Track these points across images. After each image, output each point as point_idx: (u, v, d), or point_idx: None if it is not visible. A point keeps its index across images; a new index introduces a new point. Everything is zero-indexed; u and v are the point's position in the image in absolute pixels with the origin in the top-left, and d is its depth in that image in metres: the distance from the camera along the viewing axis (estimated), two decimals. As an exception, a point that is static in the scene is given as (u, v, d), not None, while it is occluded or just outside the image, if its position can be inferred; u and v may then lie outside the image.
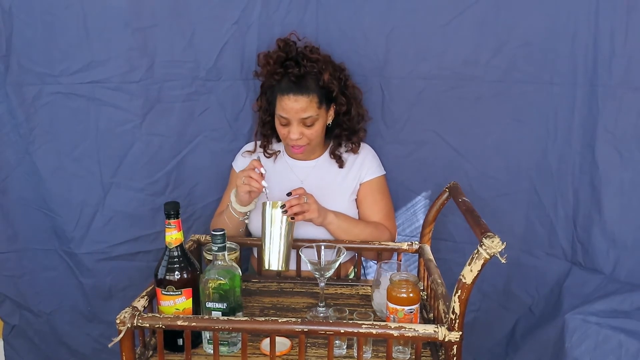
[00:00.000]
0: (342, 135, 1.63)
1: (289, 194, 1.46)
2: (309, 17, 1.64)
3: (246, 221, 1.59)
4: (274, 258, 1.43)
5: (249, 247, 1.70)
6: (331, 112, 1.59)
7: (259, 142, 1.67)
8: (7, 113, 1.61)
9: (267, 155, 1.67)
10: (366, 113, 1.65)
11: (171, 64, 1.64)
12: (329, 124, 1.61)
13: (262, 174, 1.46)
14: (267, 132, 1.66)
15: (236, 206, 1.53)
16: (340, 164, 1.64)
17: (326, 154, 1.67)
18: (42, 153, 1.65)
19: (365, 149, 1.67)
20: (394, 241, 1.62)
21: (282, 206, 1.42)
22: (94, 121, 1.64)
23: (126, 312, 1.11)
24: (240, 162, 1.68)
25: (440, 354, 1.22)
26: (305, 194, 1.47)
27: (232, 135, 1.74)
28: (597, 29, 1.46)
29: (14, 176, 1.66)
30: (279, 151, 1.68)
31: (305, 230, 1.56)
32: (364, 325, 1.08)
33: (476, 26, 1.56)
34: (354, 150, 1.64)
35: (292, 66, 1.52)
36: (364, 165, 1.64)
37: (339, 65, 1.60)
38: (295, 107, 1.50)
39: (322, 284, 1.37)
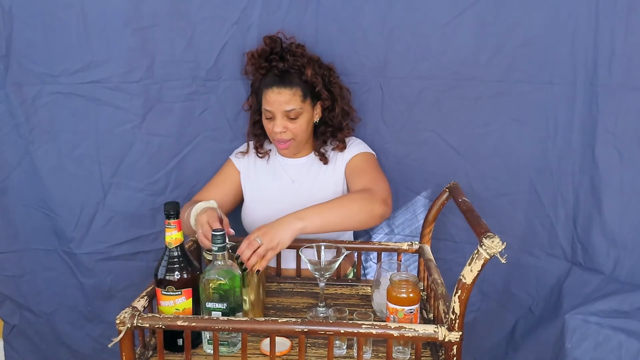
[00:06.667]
0: (327, 132, 1.63)
1: (235, 255, 1.30)
2: (309, 17, 1.64)
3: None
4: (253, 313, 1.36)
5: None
6: (318, 110, 1.60)
7: (251, 143, 1.68)
8: (7, 113, 1.61)
9: (260, 156, 1.68)
10: (353, 111, 1.65)
11: (171, 64, 1.64)
12: (316, 122, 1.62)
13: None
14: (257, 131, 1.67)
15: (193, 226, 1.42)
16: (325, 161, 1.63)
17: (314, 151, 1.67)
18: (42, 153, 1.65)
19: (350, 138, 1.67)
20: (389, 206, 1.46)
21: (241, 264, 1.28)
22: (94, 121, 1.64)
23: (126, 312, 1.11)
24: (238, 162, 1.68)
25: (440, 354, 1.22)
26: (253, 236, 1.29)
27: (232, 135, 1.74)
28: (597, 29, 1.45)
29: (14, 176, 1.66)
30: (270, 150, 1.69)
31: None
32: (364, 325, 1.08)
33: (476, 26, 1.56)
34: (340, 148, 1.63)
35: (277, 60, 1.55)
36: (348, 149, 1.64)
37: (327, 65, 1.61)
38: (279, 99, 1.51)
39: (322, 284, 1.37)
